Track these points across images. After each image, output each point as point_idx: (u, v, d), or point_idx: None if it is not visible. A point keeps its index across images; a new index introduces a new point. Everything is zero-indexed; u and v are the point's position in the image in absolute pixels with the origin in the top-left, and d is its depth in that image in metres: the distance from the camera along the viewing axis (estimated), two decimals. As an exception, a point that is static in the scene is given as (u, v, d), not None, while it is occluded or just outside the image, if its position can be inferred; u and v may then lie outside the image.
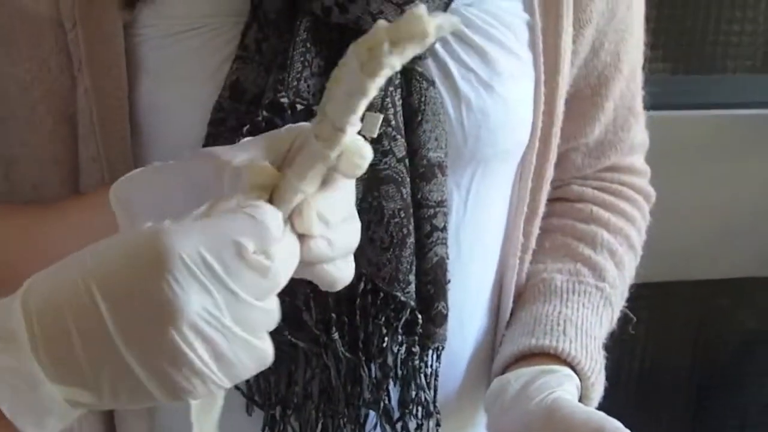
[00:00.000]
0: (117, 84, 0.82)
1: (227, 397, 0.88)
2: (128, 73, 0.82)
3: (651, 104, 1.08)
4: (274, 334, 0.84)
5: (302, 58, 0.80)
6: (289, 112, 0.80)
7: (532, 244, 0.99)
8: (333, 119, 0.61)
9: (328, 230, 0.62)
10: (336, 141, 0.61)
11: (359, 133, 0.80)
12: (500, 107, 0.87)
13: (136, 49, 0.83)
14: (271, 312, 0.60)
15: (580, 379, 0.91)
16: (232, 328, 0.57)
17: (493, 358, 0.98)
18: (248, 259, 0.57)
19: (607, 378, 0.96)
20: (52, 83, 0.84)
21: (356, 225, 0.67)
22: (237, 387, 0.88)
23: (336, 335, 0.84)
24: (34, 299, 0.56)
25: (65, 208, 0.86)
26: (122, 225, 0.71)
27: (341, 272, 0.66)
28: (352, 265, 0.67)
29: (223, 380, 0.59)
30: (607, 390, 0.96)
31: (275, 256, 0.59)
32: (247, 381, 0.87)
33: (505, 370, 0.93)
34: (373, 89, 0.59)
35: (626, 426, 0.82)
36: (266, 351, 0.60)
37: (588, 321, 0.96)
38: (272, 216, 0.59)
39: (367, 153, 0.63)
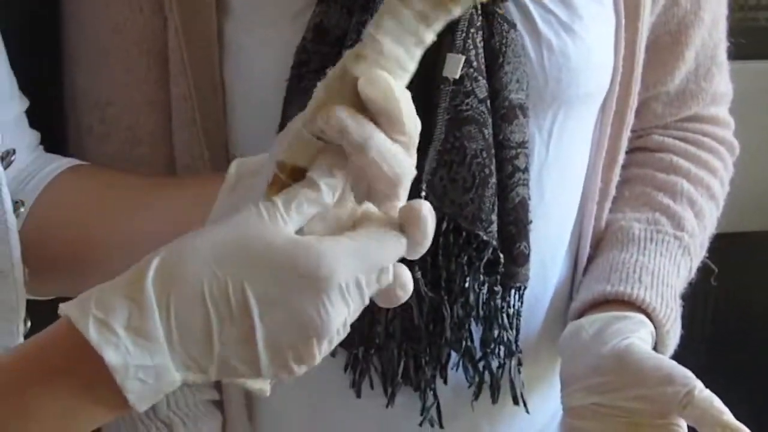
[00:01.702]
0: (206, 24, 0.85)
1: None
2: (216, 14, 0.84)
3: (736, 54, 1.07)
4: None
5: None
6: None
7: (612, 190, 0.99)
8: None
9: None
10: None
11: (443, 74, 0.82)
12: (581, 50, 0.88)
13: None
14: None
15: (655, 327, 0.91)
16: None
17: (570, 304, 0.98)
18: (385, 279, 0.61)
19: (684, 327, 0.96)
20: (144, 24, 0.86)
21: None
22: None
23: (419, 274, 0.85)
24: (170, 287, 0.56)
25: (182, 180, 0.89)
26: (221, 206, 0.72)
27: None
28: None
29: None
30: (683, 339, 0.96)
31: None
32: (331, 321, 0.89)
33: (580, 315, 0.94)
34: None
35: (698, 375, 0.82)
36: None
37: (665, 269, 0.96)
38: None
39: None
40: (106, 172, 0.90)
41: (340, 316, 0.58)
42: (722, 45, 1.05)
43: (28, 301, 0.77)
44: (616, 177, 0.98)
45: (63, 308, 0.57)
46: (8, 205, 0.75)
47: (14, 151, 0.81)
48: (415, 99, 0.81)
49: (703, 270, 1.04)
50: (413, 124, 0.61)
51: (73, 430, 0.58)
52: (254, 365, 0.58)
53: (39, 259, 0.81)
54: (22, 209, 0.82)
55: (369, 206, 0.62)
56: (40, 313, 0.75)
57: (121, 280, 0.57)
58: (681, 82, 1.03)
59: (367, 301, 0.60)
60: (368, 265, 0.59)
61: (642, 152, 1.05)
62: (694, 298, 1.02)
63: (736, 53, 1.08)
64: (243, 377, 0.60)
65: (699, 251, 1.02)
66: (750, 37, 1.10)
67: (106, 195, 0.88)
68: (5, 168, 0.78)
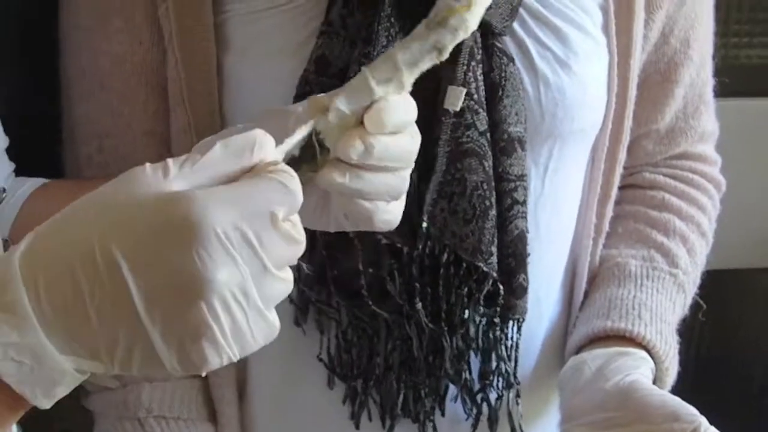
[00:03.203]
0: (205, 57, 0.85)
1: (309, 371, 0.91)
2: (216, 48, 0.85)
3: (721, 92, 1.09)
4: (358, 306, 0.87)
5: (387, 33, 0.82)
6: None
7: (606, 226, 1.00)
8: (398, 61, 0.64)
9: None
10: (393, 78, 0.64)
11: (444, 106, 0.83)
12: (576, 86, 0.89)
13: (223, 24, 0.86)
14: (288, 282, 0.56)
15: (655, 363, 0.92)
16: (255, 301, 0.54)
17: (566, 338, 0.99)
18: (280, 230, 0.54)
19: (680, 363, 0.97)
20: (144, 55, 0.87)
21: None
22: (319, 359, 0.90)
23: (419, 305, 0.85)
24: (38, 261, 0.52)
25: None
26: None
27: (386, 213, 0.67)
28: (399, 208, 0.68)
29: (236, 354, 0.55)
30: (678, 375, 0.97)
31: (298, 222, 0.56)
32: (329, 353, 0.90)
33: (579, 350, 0.94)
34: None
35: (700, 411, 0.83)
36: (276, 324, 0.56)
37: (662, 306, 0.97)
38: (298, 182, 0.57)
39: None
40: (76, 182, 0.90)
41: (226, 269, 0.52)
42: (709, 84, 1.07)
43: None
44: (609, 212, 1.00)
45: None
46: None
47: (4, 190, 0.81)
48: None
49: (693, 306, 1.05)
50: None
51: None
52: (145, 343, 0.52)
53: None
54: (3, 195, 0.82)
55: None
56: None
57: None
58: (670, 120, 1.04)
59: (263, 254, 0.53)
60: (248, 211, 0.53)
61: (633, 189, 1.06)
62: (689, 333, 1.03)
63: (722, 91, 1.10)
64: (148, 371, 0.54)
65: (692, 288, 1.04)
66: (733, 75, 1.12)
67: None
68: None
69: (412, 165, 0.67)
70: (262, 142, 0.57)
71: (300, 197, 0.56)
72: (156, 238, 0.52)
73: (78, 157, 0.93)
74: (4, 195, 0.81)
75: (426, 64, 0.65)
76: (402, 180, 0.66)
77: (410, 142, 0.66)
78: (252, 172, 0.56)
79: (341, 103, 0.64)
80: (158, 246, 0.52)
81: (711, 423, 0.82)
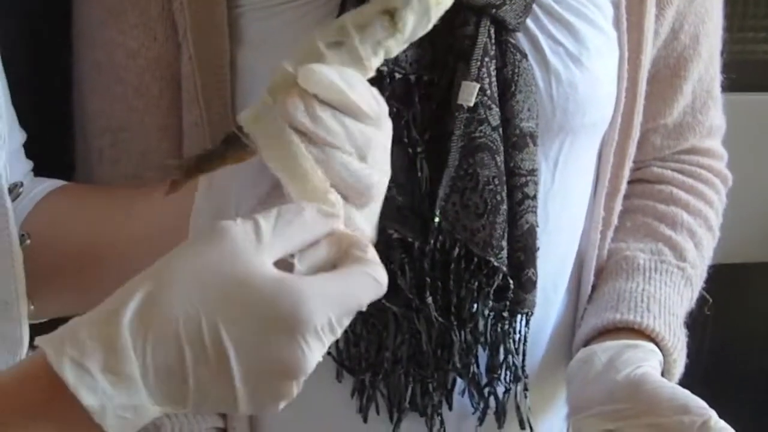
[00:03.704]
0: (219, 52, 0.85)
1: (317, 365, 0.91)
2: (230, 42, 0.85)
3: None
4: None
5: None
6: (388, 80, 0.82)
7: (614, 220, 1.00)
8: None
9: None
10: None
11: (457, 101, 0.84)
12: (588, 81, 0.89)
13: (236, 20, 0.86)
14: None
15: (663, 355, 0.93)
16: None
17: (574, 331, 1.00)
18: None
19: (687, 356, 0.98)
20: (158, 50, 0.87)
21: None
22: (328, 352, 0.90)
23: (430, 299, 0.86)
24: (146, 327, 0.56)
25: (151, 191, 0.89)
26: (200, 208, 0.73)
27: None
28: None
29: None
30: (686, 367, 0.98)
31: None
32: (337, 347, 0.90)
33: (587, 342, 0.95)
34: None
35: (709, 405, 0.83)
36: None
37: (670, 299, 0.97)
38: (385, 274, 0.63)
39: None
40: (92, 187, 0.91)
41: (317, 356, 0.59)
42: (717, 79, 1.07)
43: (31, 333, 0.77)
44: (618, 206, 1.00)
45: (40, 342, 0.57)
46: (15, 238, 0.75)
47: (21, 184, 0.81)
48: (430, 126, 0.84)
49: (699, 300, 1.06)
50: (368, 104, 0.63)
51: None
52: (232, 403, 0.58)
53: (35, 278, 0.81)
54: (28, 241, 0.82)
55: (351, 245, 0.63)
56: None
57: (98, 317, 0.57)
58: (679, 115, 1.05)
59: (338, 335, 0.60)
60: (346, 308, 0.60)
61: (641, 184, 1.06)
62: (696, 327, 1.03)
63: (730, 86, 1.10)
64: (221, 411, 0.61)
65: (699, 281, 1.04)
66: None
67: (96, 207, 0.88)
68: (12, 200, 0.78)
69: (372, 159, 0.65)
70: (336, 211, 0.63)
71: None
72: (264, 326, 0.57)
73: (90, 152, 0.93)
74: (21, 189, 0.82)
75: (380, 33, 0.64)
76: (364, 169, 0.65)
77: (362, 128, 0.64)
78: (347, 261, 0.62)
79: (287, 63, 0.64)
80: (265, 334, 0.57)
81: (720, 416, 0.82)
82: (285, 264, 0.60)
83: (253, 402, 0.58)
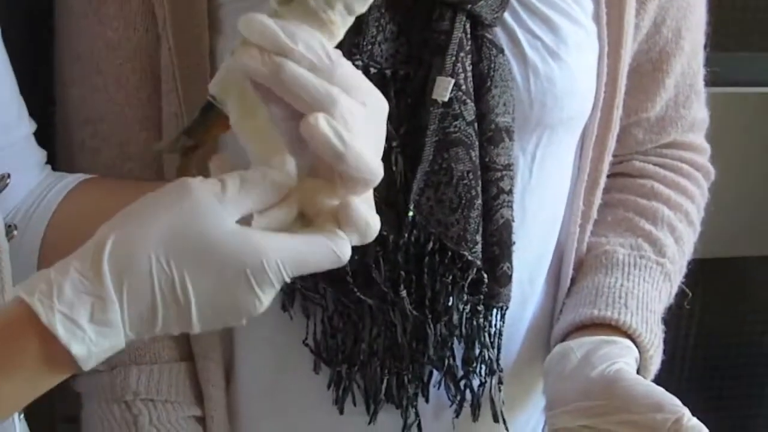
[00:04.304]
0: (198, 43, 0.86)
1: (295, 356, 0.92)
2: (209, 33, 0.86)
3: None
4: (343, 293, 0.87)
5: (377, 23, 0.83)
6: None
7: (594, 213, 1.01)
8: None
9: None
10: None
11: (432, 96, 0.83)
12: (566, 75, 0.89)
13: (215, 11, 0.86)
14: None
15: (639, 352, 0.93)
16: None
17: (551, 325, 1.00)
18: None
19: (664, 352, 0.98)
20: (138, 42, 0.87)
21: None
22: (305, 344, 0.91)
23: (404, 293, 0.86)
24: (122, 278, 0.60)
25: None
26: None
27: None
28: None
29: None
30: (663, 363, 0.98)
31: None
32: (315, 339, 0.90)
33: (565, 337, 0.95)
34: None
35: (683, 401, 0.84)
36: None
37: (648, 295, 0.98)
38: (349, 247, 0.65)
39: None
40: (120, 183, 0.91)
41: (268, 300, 0.63)
42: (700, 73, 1.07)
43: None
44: (597, 200, 1.00)
45: (22, 292, 0.60)
46: (0, 229, 0.76)
47: (9, 176, 0.82)
48: (404, 120, 0.84)
49: (679, 294, 1.06)
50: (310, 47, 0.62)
51: (37, 391, 0.62)
52: (187, 331, 0.63)
53: None
54: (15, 232, 0.83)
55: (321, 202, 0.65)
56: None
57: (78, 265, 0.61)
58: (661, 109, 1.05)
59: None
60: (300, 267, 0.63)
61: (623, 178, 1.07)
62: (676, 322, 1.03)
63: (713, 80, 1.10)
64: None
65: (678, 277, 1.04)
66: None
67: (124, 204, 0.89)
68: (0, 191, 0.79)
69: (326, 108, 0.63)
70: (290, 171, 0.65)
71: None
72: (223, 276, 0.61)
73: (71, 142, 0.94)
74: (8, 180, 0.82)
75: None
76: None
77: (310, 78, 0.63)
78: (314, 229, 0.65)
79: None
80: (224, 284, 0.61)
81: (696, 413, 0.83)
82: (246, 222, 0.63)
83: (206, 328, 0.63)
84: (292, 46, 0.62)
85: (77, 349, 0.59)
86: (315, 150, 0.62)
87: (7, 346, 0.60)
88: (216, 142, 0.78)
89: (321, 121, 0.61)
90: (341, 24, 0.64)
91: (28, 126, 0.89)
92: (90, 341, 0.60)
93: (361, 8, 0.64)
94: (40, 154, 0.91)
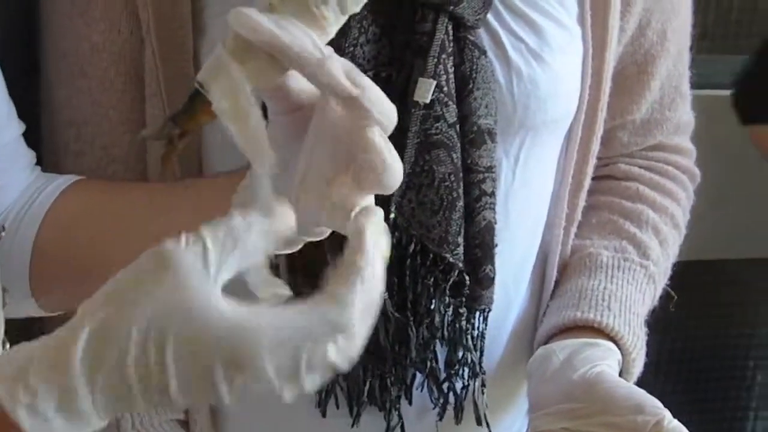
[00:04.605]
0: (182, 47, 0.86)
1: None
2: (193, 35, 0.85)
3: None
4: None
5: (359, 25, 0.83)
6: None
7: (578, 216, 1.01)
8: None
9: None
10: None
11: (413, 98, 0.83)
12: (549, 77, 0.89)
13: (199, 13, 0.86)
14: None
15: (622, 354, 0.93)
16: None
17: (535, 327, 1.00)
18: None
19: (647, 355, 0.98)
20: (122, 45, 0.87)
21: None
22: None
23: (386, 295, 0.86)
24: (97, 368, 0.56)
25: (200, 181, 0.88)
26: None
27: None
28: None
29: None
30: (646, 366, 0.98)
31: None
32: (298, 341, 0.90)
33: (548, 340, 0.95)
34: None
35: (664, 404, 0.84)
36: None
37: (632, 297, 0.98)
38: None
39: None
40: (111, 184, 0.91)
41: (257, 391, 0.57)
42: (686, 76, 1.07)
43: (6, 323, 0.78)
44: (581, 203, 1.00)
45: None
46: None
47: (3, 228, 0.82)
48: None
49: (664, 297, 1.06)
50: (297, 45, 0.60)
51: None
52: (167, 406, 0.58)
53: (53, 277, 0.83)
54: (3, 233, 0.83)
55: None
56: (17, 334, 0.75)
57: (48, 357, 0.56)
58: (646, 112, 1.05)
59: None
60: (295, 357, 0.56)
61: (608, 180, 1.07)
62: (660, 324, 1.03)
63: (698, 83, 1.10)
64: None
65: (662, 279, 1.04)
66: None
67: (119, 205, 0.88)
68: None
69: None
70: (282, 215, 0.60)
71: None
72: (205, 362, 0.55)
73: (56, 144, 0.93)
74: (2, 233, 0.82)
75: None
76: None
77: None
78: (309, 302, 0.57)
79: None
80: (205, 370, 0.55)
81: (678, 416, 0.83)
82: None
83: (188, 404, 0.58)
84: (284, 40, 0.60)
85: None
86: (334, 88, 0.59)
87: None
88: (201, 130, 0.78)
89: (335, 61, 0.59)
90: (334, 21, 0.63)
91: (17, 127, 0.89)
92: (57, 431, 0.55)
93: (355, 8, 0.63)
94: (30, 155, 0.91)
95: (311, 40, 0.61)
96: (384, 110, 0.61)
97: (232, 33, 0.61)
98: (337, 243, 0.69)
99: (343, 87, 0.59)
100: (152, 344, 0.55)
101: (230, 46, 0.61)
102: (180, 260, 0.56)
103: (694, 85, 1.10)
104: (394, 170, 0.61)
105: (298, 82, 0.63)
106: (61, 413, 0.56)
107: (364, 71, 0.83)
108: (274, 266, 0.61)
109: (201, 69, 0.64)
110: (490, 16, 0.88)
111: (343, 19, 0.64)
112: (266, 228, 0.59)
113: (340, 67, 0.59)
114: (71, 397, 0.56)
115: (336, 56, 0.61)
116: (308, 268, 0.86)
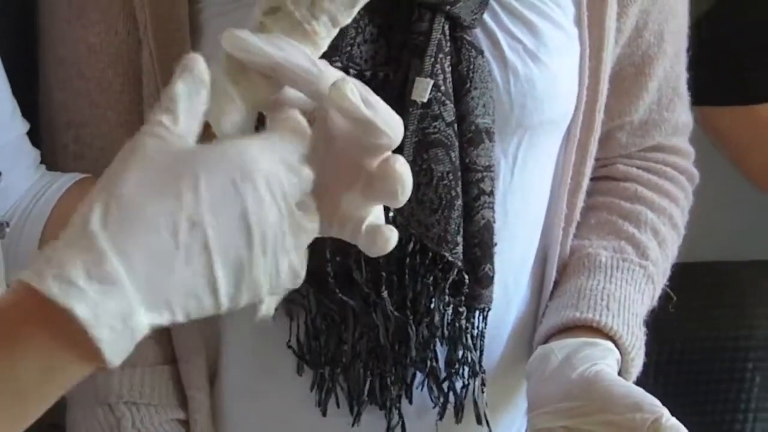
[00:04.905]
0: (180, 48, 0.86)
1: (278, 358, 0.92)
2: (190, 37, 0.86)
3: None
4: (325, 294, 0.88)
5: (356, 25, 0.83)
6: None
7: (576, 216, 1.01)
8: None
9: None
10: None
11: (411, 97, 0.84)
12: (546, 77, 0.90)
13: (196, 15, 0.87)
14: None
15: (621, 354, 0.94)
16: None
17: (535, 327, 1.00)
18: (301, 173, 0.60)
19: (646, 355, 0.98)
20: (119, 46, 0.88)
21: None
22: (288, 346, 0.91)
23: (385, 294, 0.86)
24: (123, 230, 0.55)
25: None
26: None
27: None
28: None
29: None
30: (645, 366, 0.98)
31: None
32: (298, 341, 0.91)
33: (547, 339, 0.95)
34: None
35: (663, 404, 0.84)
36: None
37: (630, 297, 0.98)
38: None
39: None
40: None
41: (272, 213, 0.57)
42: (683, 77, 1.08)
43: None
44: (580, 203, 1.00)
45: (16, 276, 0.55)
46: None
47: (0, 174, 0.82)
48: None
49: (663, 297, 1.06)
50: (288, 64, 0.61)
51: (54, 386, 0.57)
52: (213, 286, 0.57)
53: None
54: (7, 229, 0.83)
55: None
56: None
57: (68, 235, 0.56)
58: (644, 113, 1.05)
59: (294, 211, 0.58)
60: (281, 159, 0.58)
61: (607, 181, 1.07)
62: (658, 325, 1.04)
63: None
64: (207, 310, 0.58)
65: (661, 279, 1.05)
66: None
67: None
68: None
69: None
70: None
71: None
72: (226, 195, 0.56)
73: (54, 146, 0.94)
74: (0, 179, 0.83)
75: None
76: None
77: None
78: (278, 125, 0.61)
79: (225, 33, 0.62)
80: (230, 201, 0.56)
81: (676, 415, 0.83)
82: None
83: (230, 280, 0.57)
84: (278, 59, 0.61)
85: (79, 308, 0.53)
86: (346, 111, 0.60)
87: (9, 330, 0.55)
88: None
89: (349, 83, 0.59)
90: (326, 35, 0.64)
91: (21, 126, 0.89)
92: (93, 301, 0.53)
93: (346, 20, 0.64)
94: (34, 154, 0.91)
95: (306, 56, 0.61)
96: (393, 126, 0.61)
97: (224, 54, 0.62)
98: (337, 246, 0.70)
99: (356, 109, 0.60)
100: (184, 215, 0.55)
101: (223, 67, 0.62)
102: (152, 131, 0.59)
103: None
104: (409, 191, 0.63)
105: (293, 92, 0.64)
106: (92, 281, 0.54)
107: (362, 71, 0.84)
108: None
109: None
110: (486, 17, 0.88)
111: (335, 32, 0.64)
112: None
113: (353, 87, 0.60)
114: (98, 259, 0.54)
115: (332, 70, 0.62)
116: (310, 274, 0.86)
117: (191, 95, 0.60)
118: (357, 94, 0.60)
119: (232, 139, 0.59)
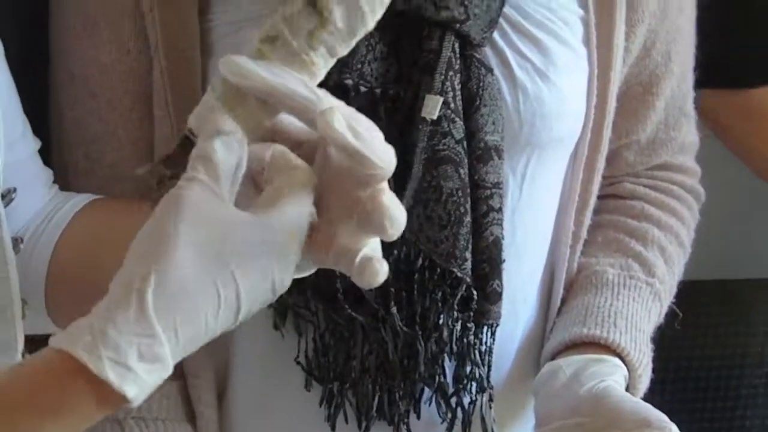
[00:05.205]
0: (190, 66, 0.87)
1: (287, 374, 0.92)
2: (201, 55, 0.87)
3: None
4: (334, 310, 0.88)
5: (367, 43, 0.84)
6: (353, 93, 0.84)
7: (584, 234, 1.01)
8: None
9: None
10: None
11: (421, 114, 0.84)
12: (555, 96, 0.91)
13: (207, 34, 0.87)
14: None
15: (628, 370, 0.94)
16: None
17: (542, 343, 1.00)
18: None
19: (653, 372, 0.99)
20: (130, 65, 0.89)
21: None
22: (297, 362, 0.91)
23: (394, 309, 0.87)
24: (170, 307, 0.58)
25: None
26: None
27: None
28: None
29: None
30: (652, 383, 0.99)
31: None
32: (306, 356, 0.91)
33: (555, 356, 0.96)
34: None
35: (670, 419, 0.84)
36: None
37: (638, 315, 0.98)
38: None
39: None
40: (128, 203, 0.90)
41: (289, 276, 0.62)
42: (690, 96, 1.09)
43: (26, 338, 0.79)
44: (587, 221, 1.01)
45: (59, 343, 0.58)
46: (7, 241, 0.77)
47: (15, 190, 0.83)
48: (394, 138, 0.85)
49: (669, 315, 1.07)
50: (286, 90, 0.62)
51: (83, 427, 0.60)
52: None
53: (69, 296, 0.83)
54: (21, 245, 0.84)
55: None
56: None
57: (121, 309, 0.58)
58: (651, 132, 1.06)
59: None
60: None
61: (614, 199, 1.07)
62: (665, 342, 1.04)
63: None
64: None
65: (668, 297, 1.05)
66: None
67: (134, 225, 0.89)
68: (5, 206, 0.80)
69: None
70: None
71: None
72: (259, 255, 0.60)
73: (65, 163, 0.95)
74: (14, 195, 0.83)
75: (306, 23, 0.62)
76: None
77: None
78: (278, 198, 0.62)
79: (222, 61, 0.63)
80: (259, 259, 0.60)
81: (684, 429, 0.83)
82: None
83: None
84: (277, 86, 0.61)
85: (130, 391, 0.57)
86: (335, 141, 0.60)
87: (56, 396, 0.57)
88: None
89: (335, 113, 0.60)
90: (323, 66, 0.64)
91: (33, 144, 0.89)
92: (141, 380, 0.57)
93: (344, 51, 0.64)
94: (47, 173, 0.91)
95: (303, 84, 0.62)
96: (383, 157, 0.62)
97: (221, 79, 0.62)
98: None
99: (343, 139, 0.60)
100: (214, 266, 0.58)
101: (219, 93, 0.63)
102: (192, 189, 0.60)
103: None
104: (400, 224, 0.63)
105: (289, 120, 0.65)
106: (142, 363, 0.57)
107: (372, 88, 0.85)
108: None
109: (191, 115, 0.64)
110: (496, 35, 0.89)
111: (332, 63, 0.64)
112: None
113: (340, 116, 0.60)
114: (152, 344, 0.57)
115: (331, 98, 0.62)
116: (319, 290, 0.87)
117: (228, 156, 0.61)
118: (344, 123, 0.60)
119: (262, 219, 0.60)
